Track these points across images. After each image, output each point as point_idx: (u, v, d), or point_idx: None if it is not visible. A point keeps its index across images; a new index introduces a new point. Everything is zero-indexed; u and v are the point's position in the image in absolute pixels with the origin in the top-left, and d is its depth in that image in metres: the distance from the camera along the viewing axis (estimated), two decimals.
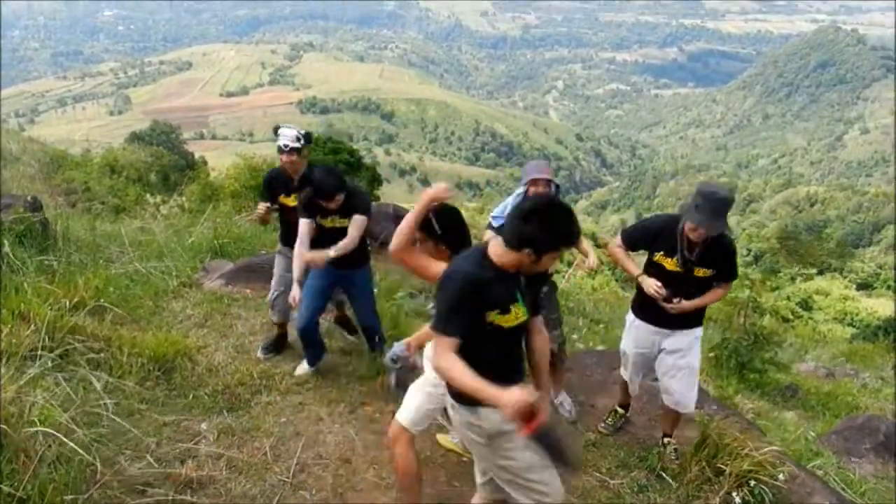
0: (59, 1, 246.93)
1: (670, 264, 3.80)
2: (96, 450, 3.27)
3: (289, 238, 4.57)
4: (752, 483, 3.71)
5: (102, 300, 4.77)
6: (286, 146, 4.46)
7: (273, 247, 7.35)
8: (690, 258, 3.73)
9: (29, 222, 5.61)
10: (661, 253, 3.82)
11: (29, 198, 6.23)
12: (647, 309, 3.96)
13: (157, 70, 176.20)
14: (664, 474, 4.02)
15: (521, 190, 4.22)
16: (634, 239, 4.00)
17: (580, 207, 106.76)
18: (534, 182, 4.08)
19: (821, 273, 49.33)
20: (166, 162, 25.99)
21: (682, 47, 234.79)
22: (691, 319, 3.92)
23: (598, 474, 4.03)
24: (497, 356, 2.54)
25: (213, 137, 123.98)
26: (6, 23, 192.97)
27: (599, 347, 7.05)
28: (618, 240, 4.05)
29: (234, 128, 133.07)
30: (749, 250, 49.62)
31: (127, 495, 3.20)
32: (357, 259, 4.44)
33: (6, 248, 5.10)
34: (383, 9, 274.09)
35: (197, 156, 39.81)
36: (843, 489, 4.28)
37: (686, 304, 3.80)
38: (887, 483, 4.73)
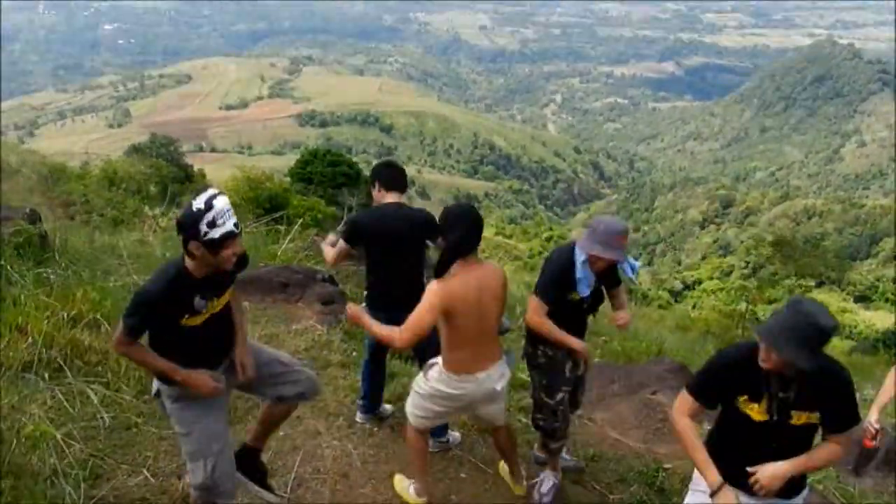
0: (59, 14, 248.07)
1: (757, 412, 2.61)
2: (93, 464, 3.26)
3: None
4: None
5: (100, 313, 4.76)
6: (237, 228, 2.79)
7: (271, 260, 7.36)
8: (786, 397, 2.57)
9: (27, 234, 5.61)
10: (746, 397, 2.62)
11: (27, 210, 6.24)
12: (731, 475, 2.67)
13: (156, 83, 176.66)
14: (664, 489, 4.01)
15: (582, 258, 3.45)
16: (708, 390, 2.72)
17: (579, 220, 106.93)
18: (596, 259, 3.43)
19: (819, 285, 49.40)
20: (165, 174, 25.99)
21: (680, 61, 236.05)
22: (792, 487, 2.70)
23: (597, 488, 4.02)
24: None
25: (213, 150, 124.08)
26: (7, 36, 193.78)
27: (596, 360, 7.03)
28: (684, 403, 2.75)
29: (233, 140, 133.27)
30: (747, 262, 49.77)
31: None
32: None
33: (4, 261, 5.09)
34: (382, 23, 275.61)
35: (196, 168, 39.79)
36: None
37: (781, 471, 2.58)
38: (887, 498, 4.71)
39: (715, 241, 75.83)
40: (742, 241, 61.57)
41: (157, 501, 3.31)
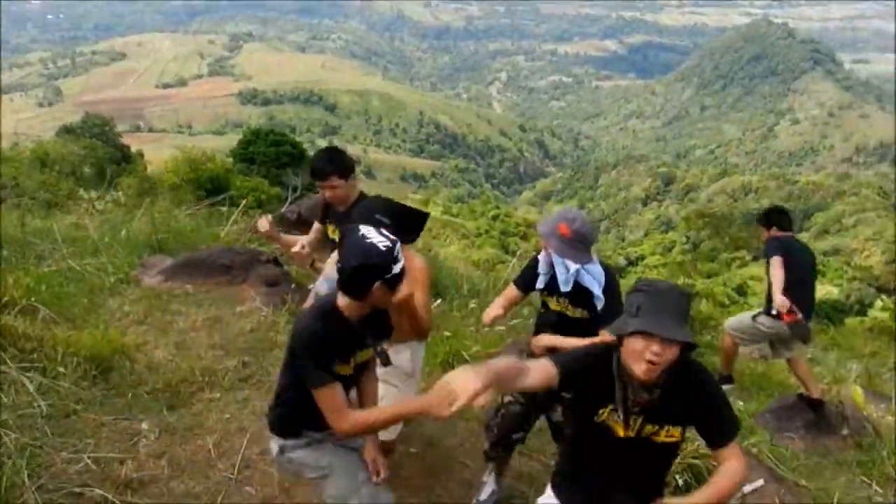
0: None
1: (622, 426, 2.23)
2: (31, 452, 3.18)
3: None
4: (693, 463, 3.85)
5: (34, 299, 4.61)
6: None
7: (214, 242, 7.23)
8: (649, 408, 2.20)
9: None
10: (609, 408, 2.23)
11: None
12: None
13: (89, 60, 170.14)
14: None
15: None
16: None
17: (524, 198, 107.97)
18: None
19: (755, 259, 51.03)
20: (101, 155, 25.20)
21: (622, 39, 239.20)
22: None
23: (542, 458, 4.11)
24: None
25: (150, 130, 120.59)
26: None
27: None
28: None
29: (171, 120, 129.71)
30: (688, 238, 51.11)
31: (64, 498, 3.11)
32: None
33: None
34: None
35: (133, 149, 38.68)
36: (776, 465, 4.45)
37: None
38: (817, 458, 4.94)
39: (657, 218, 77.64)
40: (683, 218, 63.12)
41: (100, 488, 3.25)
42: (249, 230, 7.76)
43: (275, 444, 2.65)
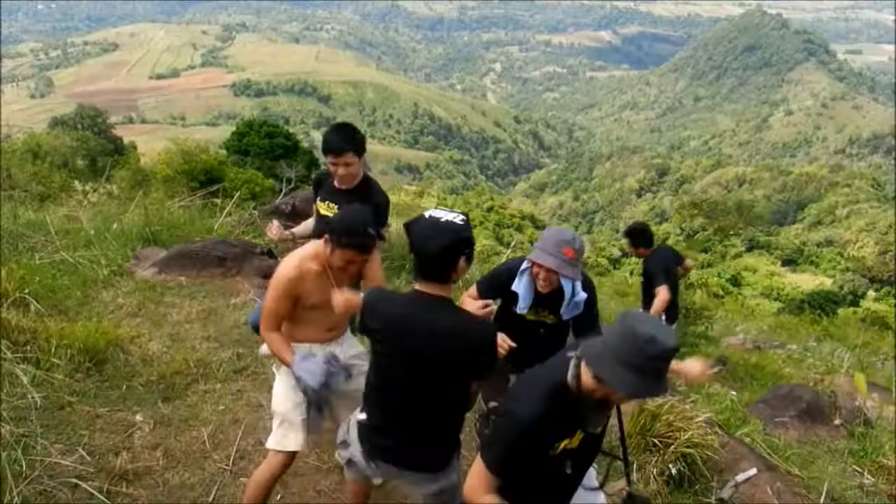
0: None
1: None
2: (25, 445, 3.17)
3: None
4: (687, 451, 3.88)
5: (27, 291, 4.59)
6: None
7: (208, 234, 7.21)
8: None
9: None
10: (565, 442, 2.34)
11: None
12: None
13: (81, 51, 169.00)
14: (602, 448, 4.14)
15: (523, 265, 3.23)
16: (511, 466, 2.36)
17: (519, 189, 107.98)
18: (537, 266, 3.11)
19: (749, 250, 51.23)
20: (93, 147, 25.10)
21: (617, 30, 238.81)
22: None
23: None
24: None
25: (143, 121, 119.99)
26: None
27: None
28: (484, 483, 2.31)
29: (164, 111, 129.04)
30: (682, 229, 51.18)
31: (59, 489, 3.11)
32: None
33: None
34: None
35: (126, 140, 38.53)
36: (769, 454, 4.49)
37: None
38: (809, 448, 4.98)
39: (651, 209, 77.75)
40: (677, 209, 63.26)
41: (94, 479, 3.25)
42: (244, 224, 7.75)
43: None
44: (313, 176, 3.63)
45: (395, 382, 2.45)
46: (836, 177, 77.31)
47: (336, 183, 3.62)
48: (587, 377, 2.07)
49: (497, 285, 3.31)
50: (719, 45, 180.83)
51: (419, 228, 2.34)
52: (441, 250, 2.29)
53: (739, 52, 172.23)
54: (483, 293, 3.27)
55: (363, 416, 2.59)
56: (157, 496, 3.30)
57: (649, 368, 1.93)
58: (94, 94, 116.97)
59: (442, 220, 2.32)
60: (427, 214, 2.36)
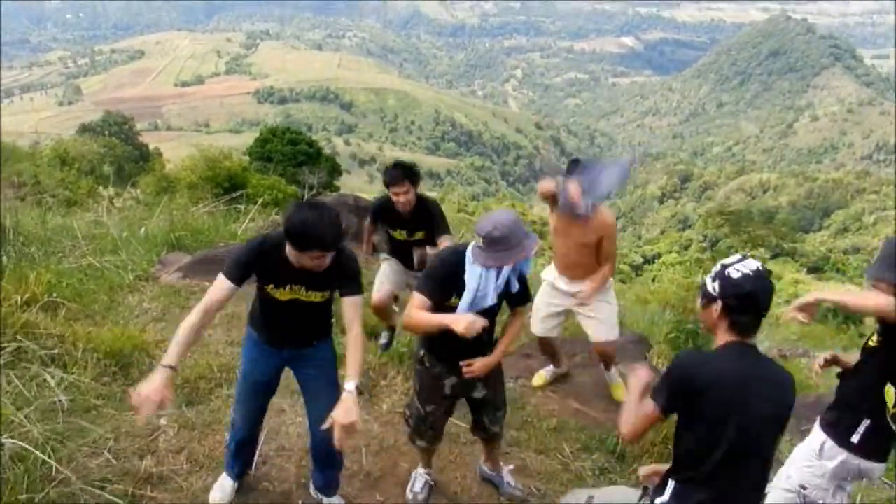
0: None
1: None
2: (52, 447, 3.21)
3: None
4: None
5: (55, 295, 4.66)
6: None
7: (231, 240, 7.28)
8: None
9: None
10: None
11: None
12: None
13: (108, 59, 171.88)
14: (624, 456, 4.12)
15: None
16: None
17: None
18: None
19: (774, 257, 50.57)
20: (120, 153, 25.47)
21: (639, 36, 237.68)
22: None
23: (560, 457, 4.10)
24: None
25: (168, 128, 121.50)
26: None
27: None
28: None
29: (189, 118, 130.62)
30: (705, 236, 50.75)
31: (85, 492, 3.14)
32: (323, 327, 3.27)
33: None
34: None
35: (151, 147, 39.06)
36: None
37: None
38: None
39: (674, 216, 77.13)
40: (700, 216, 62.69)
41: (119, 482, 3.29)
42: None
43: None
44: (373, 204, 4.85)
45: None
46: (863, 183, 76.10)
47: (399, 209, 4.34)
48: None
49: (443, 282, 3.02)
50: (743, 51, 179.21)
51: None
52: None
53: (764, 57, 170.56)
54: (429, 292, 2.99)
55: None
56: (180, 500, 3.32)
57: None
58: (120, 101, 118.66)
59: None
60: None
